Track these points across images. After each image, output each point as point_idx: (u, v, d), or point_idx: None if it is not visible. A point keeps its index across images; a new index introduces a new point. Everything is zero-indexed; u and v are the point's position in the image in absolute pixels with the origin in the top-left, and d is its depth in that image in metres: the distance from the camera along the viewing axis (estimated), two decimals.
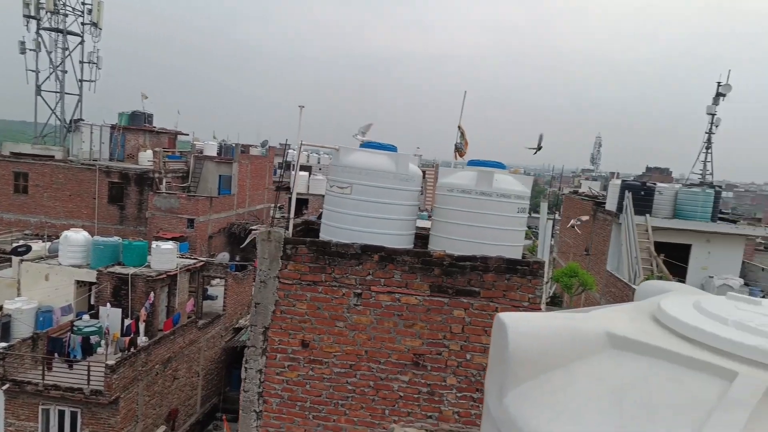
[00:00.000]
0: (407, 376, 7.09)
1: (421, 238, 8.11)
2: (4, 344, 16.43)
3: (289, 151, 36.29)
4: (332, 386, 7.20)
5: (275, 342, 7.43)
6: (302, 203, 32.67)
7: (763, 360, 1.13)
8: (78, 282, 20.14)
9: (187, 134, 40.75)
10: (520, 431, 1.17)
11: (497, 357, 1.31)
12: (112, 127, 35.25)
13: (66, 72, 37.48)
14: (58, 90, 37.42)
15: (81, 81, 37.82)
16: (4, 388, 15.65)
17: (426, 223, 8.70)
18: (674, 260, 17.64)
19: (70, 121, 36.54)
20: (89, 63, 37.81)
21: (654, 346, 1.21)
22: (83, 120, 36.22)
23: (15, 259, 20.63)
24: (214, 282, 25.29)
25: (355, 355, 7.12)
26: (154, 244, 20.97)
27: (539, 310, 7.25)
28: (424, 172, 17.96)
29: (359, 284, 7.09)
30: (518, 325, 1.25)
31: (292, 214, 8.95)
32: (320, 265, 7.20)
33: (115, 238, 21.30)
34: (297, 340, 7.37)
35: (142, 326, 18.54)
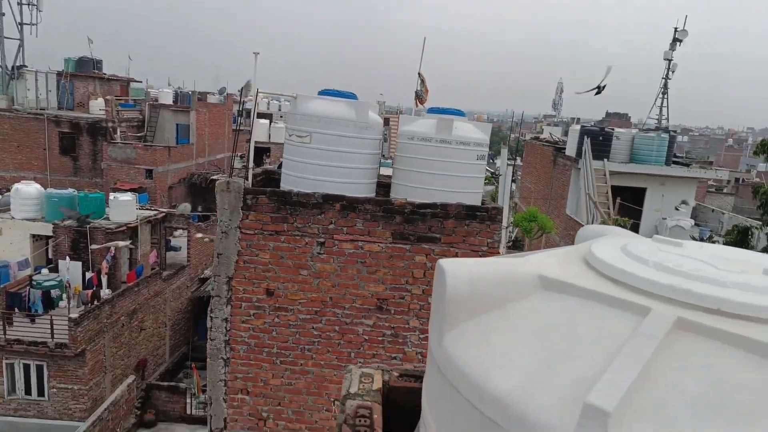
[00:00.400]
0: (371, 320, 7.30)
1: (384, 186, 8.17)
2: None
3: (247, 99, 35.17)
4: (298, 332, 7.37)
5: (239, 291, 7.51)
6: (263, 152, 32.12)
7: (675, 296, 1.24)
8: (34, 236, 19.58)
9: (140, 81, 39.05)
10: (456, 368, 1.27)
11: (437, 300, 1.39)
12: (59, 73, 33.42)
13: (4, 14, 34.97)
14: None
15: (21, 24, 35.40)
16: None
17: (391, 171, 8.74)
18: (630, 203, 18.29)
19: (13, 67, 34.40)
20: (29, 5, 35.30)
21: (580, 286, 1.31)
22: (26, 66, 34.15)
23: None
24: (176, 233, 24.98)
25: (320, 301, 7.27)
26: (111, 195, 20.43)
27: (497, 254, 7.50)
28: (387, 119, 17.80)
29: (322, 233, 7.16)
30: (455, 270, 1.33)
31: (250, 164, 8.84)
32: (282, 215, 7.21)
33: (70, 191, 20.63)
34: (261, 289, 7.46)
35: (104, 279, 18.32)
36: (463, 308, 1.32)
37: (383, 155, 11.99)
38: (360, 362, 7.47)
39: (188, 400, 17.64)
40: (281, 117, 38.37)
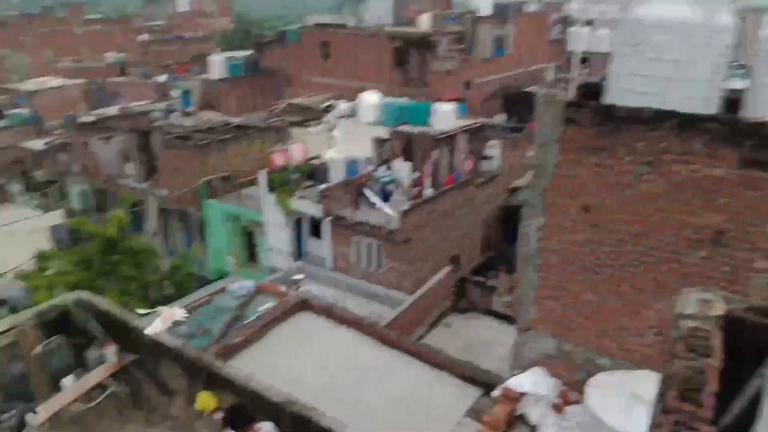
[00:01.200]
0: (703, 251, 6.68)
1: (731, 102, 7.06)
2: (325, 185, 20.55)
3: (566, 6, 33.08)
4: (615, 252, 7.27)
5: (554, 204, 7.72)
6: (583, 62, 30.27)
7: None
8: (375, 138, 23.17)
9: None
10: None
11: None
12: None
13: None
14: None
15: None
16: (329, 219, 20.03)
17: (740, 85, 7.46)
18: None
19: None
20: None
21: None
22: None
23: (328, 116, 24.72)
24: (490, 143, 26.21)
25: (642, 224, 6.98)
26: (435, 105, 22.47)
27: None
28: (744, 18, 14.73)
29: (649, 152, 6.72)
30: None
31: (575, 75, 8.65)
32: (605, 131, 6.99)
33: (403, 99, 23.42)
34: (577, 204, 7.51)
35: (427, 180, 20.82)
36: None
37: (737, 64, 10.17)
38: None
39: (494, 298, 19.36)
40: (604, 23, 35.18)
